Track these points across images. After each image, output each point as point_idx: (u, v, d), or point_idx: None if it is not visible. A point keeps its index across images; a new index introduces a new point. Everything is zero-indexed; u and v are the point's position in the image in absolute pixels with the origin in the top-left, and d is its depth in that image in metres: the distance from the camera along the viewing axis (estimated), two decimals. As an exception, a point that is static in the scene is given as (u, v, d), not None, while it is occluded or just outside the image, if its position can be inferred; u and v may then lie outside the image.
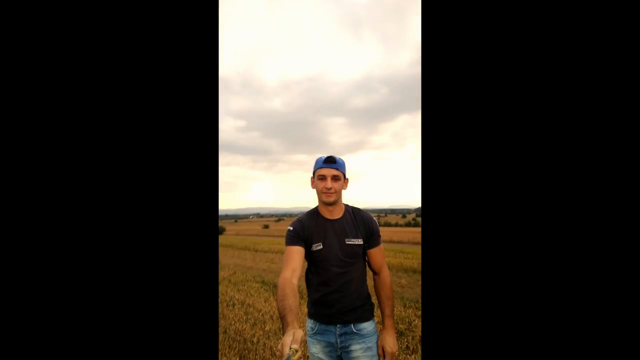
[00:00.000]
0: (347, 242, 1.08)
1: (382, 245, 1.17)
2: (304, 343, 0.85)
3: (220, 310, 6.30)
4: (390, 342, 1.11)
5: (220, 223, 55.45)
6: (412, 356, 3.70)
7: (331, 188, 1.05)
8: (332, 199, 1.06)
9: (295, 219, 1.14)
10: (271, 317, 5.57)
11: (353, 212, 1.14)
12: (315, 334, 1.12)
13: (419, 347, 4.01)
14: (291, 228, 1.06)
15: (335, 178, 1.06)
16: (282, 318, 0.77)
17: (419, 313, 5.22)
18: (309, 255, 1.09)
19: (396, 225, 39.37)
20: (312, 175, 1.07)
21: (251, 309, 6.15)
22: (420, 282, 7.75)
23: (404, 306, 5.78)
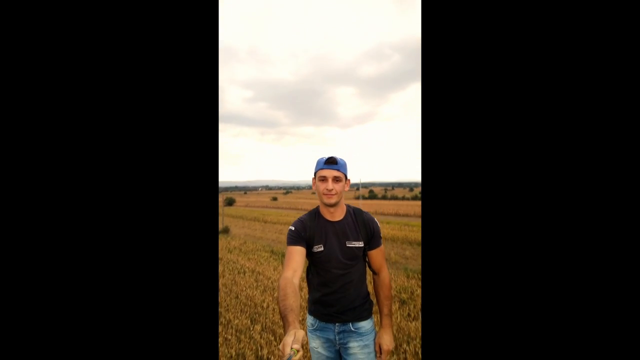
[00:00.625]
0: (347, 245, 1.08)
1: (382, 246, 1.17)
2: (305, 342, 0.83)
3: (232, 277, 6.68)
4: (387, 340, 1.14)
5: (230, 194, 56.86)
6: (413, 323, 3.90)
7: (332, 189, 1.03)
8: (333, 200, 1.05)
9: (297, 218, 1.14)
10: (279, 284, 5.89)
11: (354, 214, 1.13)
12: (315, 330, 1.15)
13: (420, 314, 4.21)
14: (293, 228, 1.05)
15: (336, 179, 1.05)
16: (283, 318, 0.76)
17: (420, 283, 5.42)
18: (310, 256, 1.09)
19: (403, 198, 39.48)
20: (313, 176, 1.08)
21: (261, 277, 6.50)
22: (424, 254, 7.95)
23: (407, 277, 5.98)
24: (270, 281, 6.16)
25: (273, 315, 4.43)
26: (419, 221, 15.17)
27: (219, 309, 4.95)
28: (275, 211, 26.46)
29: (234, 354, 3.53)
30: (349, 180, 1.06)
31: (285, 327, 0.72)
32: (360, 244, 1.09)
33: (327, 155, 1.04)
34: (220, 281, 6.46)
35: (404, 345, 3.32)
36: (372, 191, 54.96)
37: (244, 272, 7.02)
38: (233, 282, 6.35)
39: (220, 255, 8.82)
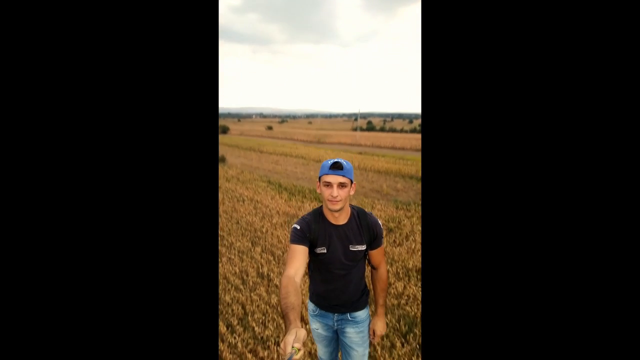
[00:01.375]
0: (351, 249, 1.09)
1: (383, 245, 1.18)
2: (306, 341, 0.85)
3: (232, 204, 7.05)
4: (380, 326, 1.24)
5: (223, 122, 54.86)
6: (397, 248, 4.34)
7: (337, 196, 0.99)
8: (337, 207, 1.01)
9: (301, 217, 1.13)
10: (277, 212, 6.28)
11: (358, 217, 1.11)
12: (315, 315, 1.23)
13: (404, 241, 4.66)
14: (298, 227, 1.04)
15: (341, 185, 1.00)
16: (285, 316, 0.75)
17: (409, 214, 5.82)
18: (313, 255, 1.09)
19: (401, 131, 38.84)
20: (318, 180, 1.06)
21: (259, 205, 6.87)
22: (414, 187, 8.32)
23: (396, 208, 6.39)
24: (268, 209, 6.54)
25: (272, 239, 4.87)
26: (415, 155, 15.35)
27: (221, 233, 5.39)
28: (271, 141, 26.22)
29: (237, 271, 4.00)
30: (355, 184, 1.06)
31: (286, 326, 0.72)
32: (363, 247, 1.10)
33: (332, 160, 1.01)
34: (221, 208, 6.84)
35: (387, 267, 3.77)
36: (370, 122, 53.15)
37: (243, 200, 7.37)
38: (233, 209, 6.74)
39: (219, 184, 9.10)
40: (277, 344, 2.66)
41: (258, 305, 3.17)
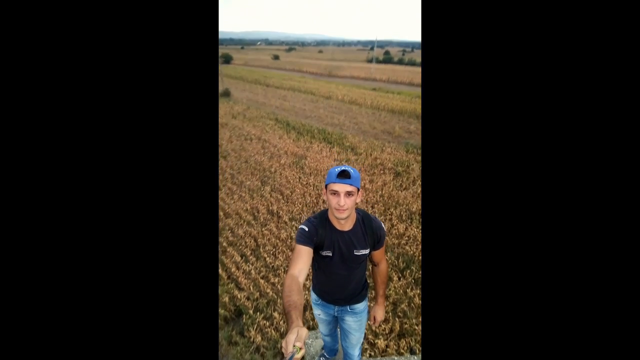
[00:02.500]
0: (355, 253, 1.09)
1: (384, 246, 1.20)
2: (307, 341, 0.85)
3: (239, 143, 7.04)
4: (380, 314, 1.32)
5: (226, 50, 50.26)
6: (403, 192, 4.43)
7: (344, 205, 0.97)
8: (344, 215, 0.99)
9: (308, 218, 1.12)
10: (285, 152, 6.30)
11: (363, 222, 1.10)
12: (317, 304, 1.29)
13: (411, 185, 4.73)
14: (306, 229, 1.02)
15: (348, 194, 0.98)
16: (287, 314, 0.75)
17: (419, 158, 5.76)
18: (318, 256, 1.09)
19: (399, 62, 35.30)
20: (324, 187, 1.03)
21: (267, 144, 6.85)
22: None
23: (407, 151, 6.29)
24: (276, 149, 6.53)
25: (280, 179, 5.01)
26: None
27: (231, 172, 5.54)
28: (277, 73, 24.51)
29: (248, 207, 4.24)
30: (362, 191, 1.05)
31: (288, 324, 0.71)
32: (367, 251, 1.11)
33: (339, 168, 0.97)
34: (229, 146, 6.87)
35: (391, 209, 3.92)
36: (387, 53, 47.52)
37: (251, 139, 7.32)
38: (241, 147, 6.76)
39: (225, 121, 8.92)
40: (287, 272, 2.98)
41: (269, 239, 3.46)
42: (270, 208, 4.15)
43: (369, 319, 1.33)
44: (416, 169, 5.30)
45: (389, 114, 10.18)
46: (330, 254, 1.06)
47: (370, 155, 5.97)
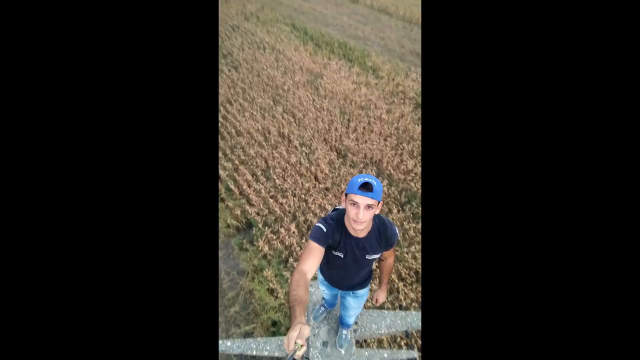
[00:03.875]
0: (367, 257, 1.08)
1: (395, 245, 1.17)
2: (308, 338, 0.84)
3: (252, 52, 6.43)
4: (382, 296, 1.38)
5: None
6: (420, 127, 4.24)
7: (362, 218, 0.92)
8: (361, 227, 0.96)
9: (326, 216, 1.07)
10: (300, 68, 5.78)
11: (379, 230, 1.05)
12: (322, 283, 1.35)
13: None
14: (324, 230, 0.99)
15: (368, 207, 0.92)
16: (291, 308, 0.76)
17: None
18: (329, 253, 1.07)
19: None
20: (344, 194, 0.97)
21: (281, 57, 6.24)
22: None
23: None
24: (291, 63, 5.99)
25: (293, 100, 4.77)
26: None
27: (242, 85, 5.25)
28: (298, -41, 20.15)
29: (260, 127, 4.20)
30: (381, 203, 0.98)
31: (291, 320, 0.71)
32: (378, 255, 1.10)
33: (362, 178, 0.91)
34: (240, 55, 6.30)
35: (404, 144, 3.84)
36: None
37: (264, 49, 6.65)
38: (253, 58, 6.20)
39: (236, 23, 7.94)
40: (295, 194, 3.18)
41: (279, 162, 3.56)
42: (282, 130, 4.11)
43: (370, 299, 1.46)
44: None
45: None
46: (342, 255, 1.06)
47: (393, 80, 5.46)
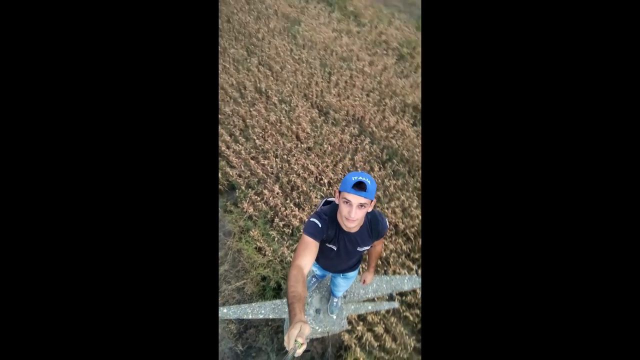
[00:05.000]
0: (358, 249, 1.11)
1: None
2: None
3: (217, -9, 5.59)
4: (369, 277, 1.47)
5: None
6: (402, 80, 4.12)
7: (354, 216, 0.92)
8: (353, 225, 0.97)
9: (319, 210, 1.06)
10: (276, 12, 5.18)
11: (370, 224, 1.07)
12: (314, 266, 1.39)
13: (412, 73, 4.35)
14: (318, 225, 0.99)
15: (361, 205, 0.92)
16: (290, 305, 0.74)
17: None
18: (322, 244, 1.07)
19: None
20: (338, 191, 0.97)
21: (253, -3, 5.51)
22: None
23: (417, 28, 5.38)
24: (264, 6, 5.34)
25: (269, 50, 4.37)
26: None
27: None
28: None
29: (234, 82, 3.88)
30: (374, 200, 0.97)
31: (291, 318, 0.70)
32: (369, 246, 1.13)
33: (356, 177, 0.90)
34: (205, -6, 5.47)
35: (386, 100, 3.76)
36: None
37: (232, -13, 5.81)
38: (221, 1, 5.44)
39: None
40: (276, 155, 3.12)
41: (257, 121, 3.39)
42: (258, 86, 3.84)
43: (359, 280, 1.53)
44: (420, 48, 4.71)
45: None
46: (335, 249, 1.08)
47: (376, 28, 5.10)
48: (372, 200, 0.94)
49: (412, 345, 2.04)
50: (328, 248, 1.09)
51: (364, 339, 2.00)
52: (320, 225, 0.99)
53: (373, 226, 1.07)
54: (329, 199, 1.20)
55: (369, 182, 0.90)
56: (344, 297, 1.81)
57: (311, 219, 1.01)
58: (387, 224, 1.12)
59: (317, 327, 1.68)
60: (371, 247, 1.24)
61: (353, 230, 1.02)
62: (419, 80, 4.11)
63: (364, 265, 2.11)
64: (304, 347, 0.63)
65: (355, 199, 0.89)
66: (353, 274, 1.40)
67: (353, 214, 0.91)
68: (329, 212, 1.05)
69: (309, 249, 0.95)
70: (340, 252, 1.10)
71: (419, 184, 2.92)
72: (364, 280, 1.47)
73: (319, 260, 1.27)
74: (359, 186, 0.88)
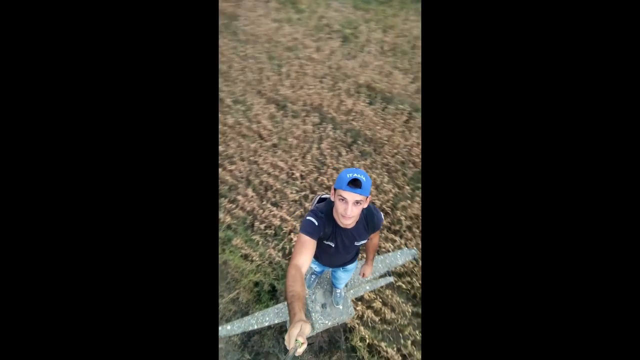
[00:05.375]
0: (355, 244, 1.13)
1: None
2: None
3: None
4: (368, 270, 1.48)
5: None
6: (352, 61, 4.17)
7: (350, 214, 0.92)
8: (349, 222, 0.97)
9: (315, 208, 1.06)
10: (208, 8, 4.89)
11: (366, 219, 1.09)
12: (312, 263, 1.40)
13: (359, 52, 4.41)
14: (315, 223, 0.99)
15: (357, 203, 0.92)
16: (290, 304, 0.73)
17: (367, 16, 5.09)
18: (319, 241, 1.06)
19: None
20: (333, 188, 0.97)
21: None
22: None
23: (355, 7, 5.42)
24: (193, 3, 4.99)
25: (210, 50, 4.14)
26: None
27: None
28: None
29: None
30: (369, 197, 0.98)
31: (291, 317, 0.70)
32: (366, 240, 1.15)
33: (351, 174, 0.90)
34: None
35: (339, 83, 3.78)
36: None
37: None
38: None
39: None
40: (242, 158, 3.02)
41: (214, 127, 3.24)
42: (207, 90, 3.63)
43: (359, 272, 1.56)
44: (364, 30, 4.79)
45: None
46: (333, 245, 1.09)
47: (315, 12, 5.05)
48: (367, 197, 0.94)
49: (410, 310, 2.17)
50: (326, 245, 1.09)
51: (365, 316, 2.08)
52: (317, 224, 0.99)
53: (369, 220, 1.09)
54: (323, 196, 1.20)
55: (364, 178, 0.90)
56: (346, 285, 1.85)
57: (307, 218, 1.01)
58: (382, 216, 1.14)
59: (327, 322, 1.68)
60: (368, 240, 1.25)
61: (349, 227, 1.03)
62: (366, 58, 4.18)
63: (363, 255, 2.18)
64: (304, 346, 0.63)
65: (351, 196, 0.90)
66: (353, 266, 1.42)
67: (349, 211, 0.91)
68: (325, 209, 1.05)
69: (307, 247, 0.95)
70: (339, 248, 1.11)
71: (385, 160, 3.03)
72: (364, 274, 1.51)
73: (318, 257, 1.27)
74: (354, 183, 0.89)
